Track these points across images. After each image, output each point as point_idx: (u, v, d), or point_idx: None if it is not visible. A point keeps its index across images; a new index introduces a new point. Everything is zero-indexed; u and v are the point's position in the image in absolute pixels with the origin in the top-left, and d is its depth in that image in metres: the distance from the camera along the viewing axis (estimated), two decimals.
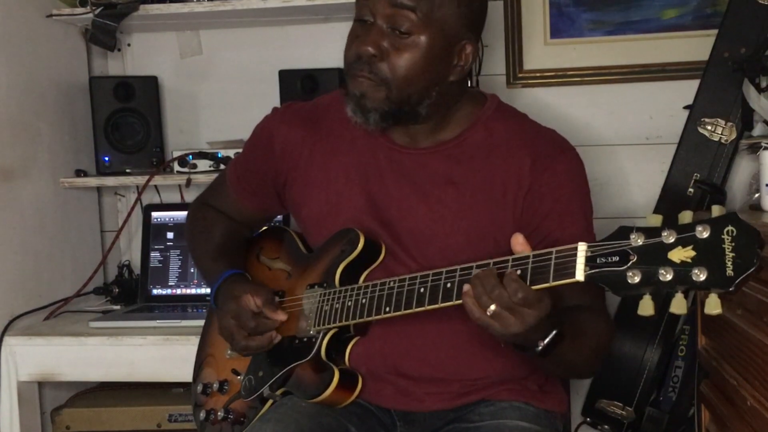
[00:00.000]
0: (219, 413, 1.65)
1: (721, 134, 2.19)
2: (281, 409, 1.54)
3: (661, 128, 2.38)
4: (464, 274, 1.30)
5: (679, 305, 1.10)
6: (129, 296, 2.51)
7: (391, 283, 1.41)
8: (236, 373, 1.65)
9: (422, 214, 1.52)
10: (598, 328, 1.45)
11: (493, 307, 1.21)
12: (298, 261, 1.66)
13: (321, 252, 1.59)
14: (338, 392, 1.49)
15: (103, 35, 2.40)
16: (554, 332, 1.27)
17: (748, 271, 1.05)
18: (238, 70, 2.63)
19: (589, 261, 1.16)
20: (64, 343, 2.18)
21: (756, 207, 1.98)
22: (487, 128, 1.55)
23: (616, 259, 1.13)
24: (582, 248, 1.17)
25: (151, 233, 2.50)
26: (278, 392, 1.57)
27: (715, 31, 2.20)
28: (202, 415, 1.68)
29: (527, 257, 1.24)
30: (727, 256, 1.06)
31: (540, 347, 1.27)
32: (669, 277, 1.09)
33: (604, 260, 1.15)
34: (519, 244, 1.26)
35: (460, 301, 1.29)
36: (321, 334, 1.51)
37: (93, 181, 2.50)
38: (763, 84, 2.04)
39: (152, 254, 2.48)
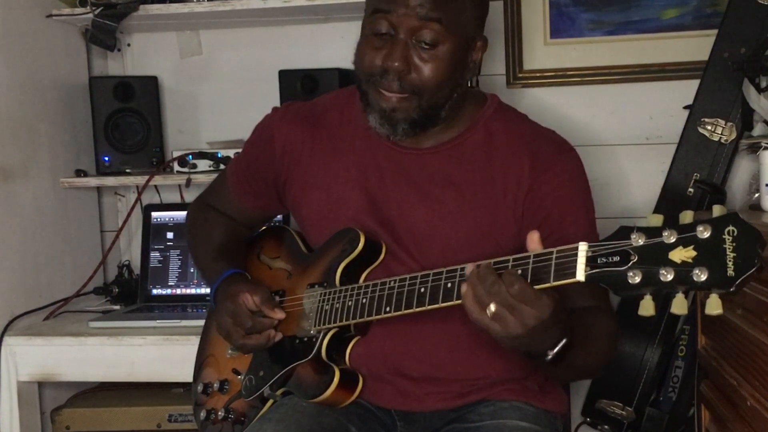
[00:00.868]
0: (219, 413, 1.65)
1: (721, 134, 2.19)
2: (282, 409, 1.54)
3: (661, 128, 2.38)
4: (464, 274, 1.30)
5: (680, 305, 1.10)
6: (129, 296, 2.51)
7: (392, 283, 1.41)
8: (237, 372, 1.65)
9: (422, 214, 1.52)
10: (605, 329, 1.44)
11: (492, 306, 1.21)
12: (299, 260, 1.66)
13: (321, 251, 1.59)
14: (339, 392, 1.49)
15: (103, 35, 2.40)
16: (564, 341, 1.26)
17: (749, 272, 1.04)
18: (238, 70, 2.63)
19: (590, 261, 1.16)
20: (64, 343, 2.18)
21: (756, 207, 1.98)
22: (487, 129, 1.55)
23: (616, 259, 1.13)
24: (583, 248, 1.17)
25: (151, 233, 2.50)
26: (278, 392, 1.57)
27: (715, 31, 2.20)
28: (203, 414, 1.68)
29: (528, 257, 1.23)
30: (728, 257, 1.05)
31: (549, 356, 1.26)
32: (670, 277, 1.08)
33: (604, 260, 1.14)
34: (534, 242, 1.24)
35: (460, 301, 1.29)
36: (321, 334, 1.51)
37: (93, 181, 2.50)
38: (763, 84, 2.04)
39: (152, 254, 2.48)
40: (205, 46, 2.66)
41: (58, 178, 2.46)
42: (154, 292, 2.46)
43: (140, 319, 2.27)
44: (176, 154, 2.46)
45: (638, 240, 1.12)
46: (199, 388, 1.71)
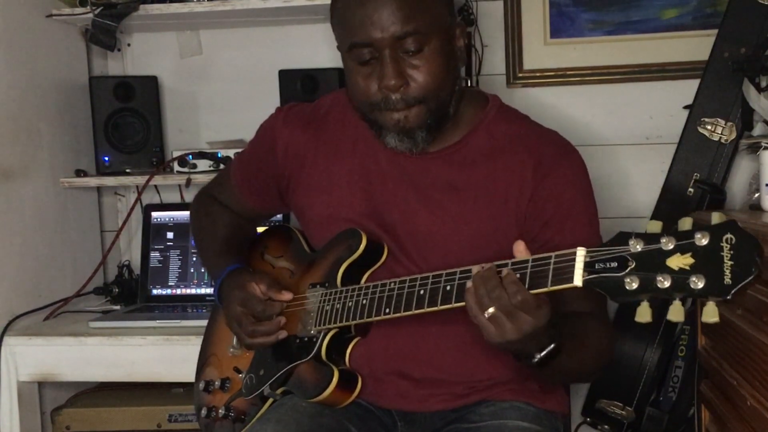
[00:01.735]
0: (220, 411, 1.66)
1: (721, 134, 2.19)
2: (281, 409, 1.54)
3: (661, 128, 2.38)
4: (464, 277, 1.30)
5: (676, 313, 1.10)
6: (129, 296, 2.51)
7: (392, 285, 1.41)
8: (238, 371, 1.66)
9: (424, 218, 1.52)
10: (598, 336, 1.44)
11: (491, 309, 1.21)
12: (302, 260, 1.67)
13: (324, 252, 1.59)
14: (337, 392, 1.50)
15: (103, 35, 2.40)
16: (551, 346, 1.27)
17: (745, 280, 1.04)
18: (238, 70, 2.63)
19: (588, 266, 1.16)
20: (64, 343, 2.18)
21: (756, 207, 1.98)
22: (489, 132, 1.54)
23: (614, 264, 1.13)
24: (581, 253, 1.17)
25: (151, 233, 2.50)
26: (278, 391, 1.57)
27: (715, 31, 2.20)
28: (204, 412, 1.69)
29: (526, 261, 1.23)
30: (725, 264, 1.05)
31: (536, 359, 1.27)
32: (667, 284, 1.08)
33: (602, 266, 1.14)
34: (519, 252, 1.25)
35: (458, 304, 1.29)
36: (322, 334, 1.52)
37: (93, 181, 2.50)
38: (763, 84, 2.04)
39: (152, 254, 2.48)
40: (205, 46, 2.66)
41: (58, 178, 2.46)
42: (154, 292, 2.46)
43: (140, 319, 2.27)
44: (176, 154, 2.46)
45: (636, 246, 1.11)
46: (201, 385, 1.72)
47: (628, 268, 1.11)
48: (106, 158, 2.50)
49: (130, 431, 2.37)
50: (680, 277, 1.07)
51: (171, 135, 2.68)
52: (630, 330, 2.24)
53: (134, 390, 2.46)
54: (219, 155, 2.42)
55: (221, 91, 2.65)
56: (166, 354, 2.14)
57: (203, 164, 2.43)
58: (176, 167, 2.44)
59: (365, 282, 1.52)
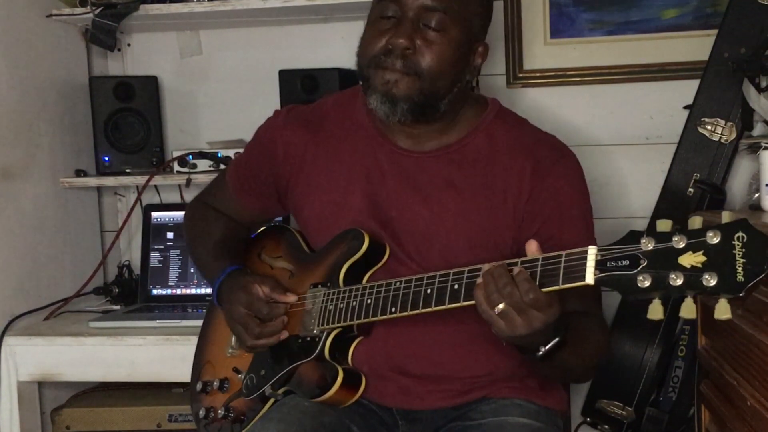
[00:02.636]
0: (219, 411, 1.65)
1: (721, 134, 2.19)
2: (283, 409, 1.54)
3: (661, 128, 2.38)
4: (472, 276, 1.31)
5: (688, 310, 1.12)
6: (129, 296, 2.51)
7: (397, 284, 1.42)
8: (237, 371, 1.66)
9: (423, 216, 1.53)
10: (596, 334, 1.46)
11: (501, 306, 1.22)
12: (301, 260, 1.67)
13: (325, 251, 1.59)
14: (342, 392, 1.50)
15: (103, 35, 2.40)
16: (557, 339, 1.29)
17: (758, 277, 1.06)
18: (238, 70, 2.63)
19: (599, 265, 1.17)
20: (64, 343, 2.18)
21: (756, 207, 1.98)
22: (488, 134, 1.56)
23: (626, 263, 1.15)
24: (592, 252, 1.19)
25: (151, 233, 2.50)
26: (280, 391, 1.57)
27: (715, 31, 2.20)
28: (202, 413, 1.68)
29: (537, 260, 1.25)
30: (737, 262, 1.07)
31: (541, 352, 1.29)
32: (679, 282, 1.10)
33: (614, 264, 1.16)
34: (531, 252, 1.27)
35: (466, 303, 1.30)
36: (325, 334, 1.52)
37: (93, 181, 2.50)
38: (763, 84, 2.04)
39: (152, 254, 2.48)
40: (205, 46, 2.66)
41: (58, 178, 2.46)
42: (154, 292, 2.46)
43: (140, 319, 2.27)
44: (176, 154, 2.45)
45: (648, 244, 1.13)
46: (199, 386, 1.71)
47: (640, 266, 1.13)
48: (106, 158, 2.50)
49: (130, 431, 2.37)
50: (693, 274, 1.09)
51: (171, 135, 2.68)
52: (630, 330, 2.24)
53: (134, 390, 2.46)
54: (219, 155, 2.42)
55: (221, 91, 2.65)
56: (166, 354, 2.13)
57: (203, 164, 2.43)
58: (176, 167, 2.44)
59: (366, 282, 1.52)
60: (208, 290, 2.42)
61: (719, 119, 2.19)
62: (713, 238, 1.08)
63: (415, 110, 1.49)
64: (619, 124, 2.41)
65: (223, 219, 1.78)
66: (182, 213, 2.45)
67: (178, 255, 2.47)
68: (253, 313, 1.55)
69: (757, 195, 2.01)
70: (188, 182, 2.41)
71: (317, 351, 1.51)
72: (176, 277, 2.46)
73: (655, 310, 1.14)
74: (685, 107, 2.28)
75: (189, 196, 2.57)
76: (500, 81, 2.44)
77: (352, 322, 1.48)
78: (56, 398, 2.44)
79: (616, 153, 2.41)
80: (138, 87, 2.53)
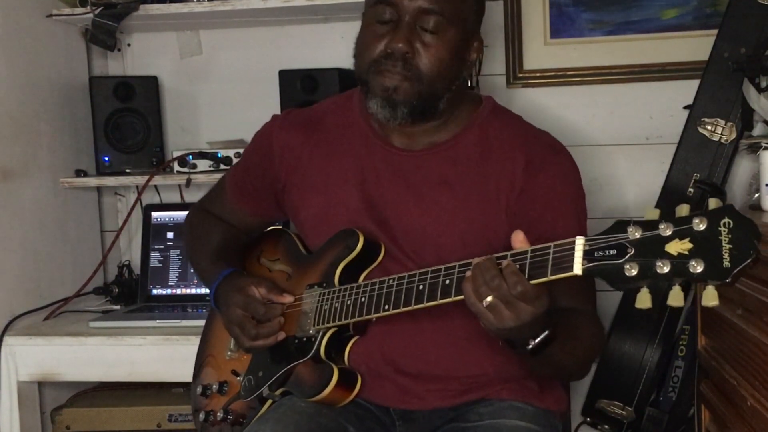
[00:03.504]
0: (218, 414, 1.65)
1: (721, 134, 2.19)
2: (280, 410, 1.54)
3: (661, 128, 2.38)
4: (462, 271, 1.31)
5: (676, 298, 1.11)
6: (129, 296, 2.51)
7: (390, 281, 1.42)
8: (236, 373, 1.66)
9: (417, 214, 1.53)
10: (589, 331, 1.46)
11: (490, 298, 1.23)
12: (298, 262, 1.67)
13: (321, 252, 1.60)
14: (337, 391, 1.50)
15: (103, 35, 2.40)
16: (545, 333, 1.28)
17: (744, 263, 1.05)
18: (238, 70, 2.63)
19: (587, 255, 1.17)
20: (64, 343, 2.18)
21: (756, 207, 1.98)
22: (482, 130, 1.56)
23: (613, 252, 1.14)
24: (580, 242, 1.18)
25: (151, 233, 2.50)
26: (277, 392, 1.57)
27: (715, 31, 2.20)
28: (202, 416, 1.69)
29: (525, 252, 1.25)
30: (723, 248, 1.06)
31: (531, 345, 1.28)
32: (666, 269, 1.09)
33: (601, 253, 1.15)
34: (519, 241, 1.27)
35: (458, 298, 1.30)
36: (320, 334, 1.52)
37: (93, 181, 2.50)
38: (763, 84, 2.04)
39: (152, 254, 2.48)
40: (205, 46, 2.66)
41: (58, 178, 2.46)
42: (154, 292, 2.46)
43: (140, 319, 2.27)
44: (176, 154, 2.45)
45: (635, 233, 1.13)
46: (198, 389, 1.72)
47: (628, 255, 1.13)
48: (106, 158, 2.50)
49: (130, 431, 2.37)
50: (679, 262, 1.09)
51: (171, 135, 2.68)
52: (630, 329, 2.24)
53: (134, 390, 2.46)
54: (219, 155, 2.42)
55: (221, 91, 2.65)
56: (166, 354, 2.14)
57: (203, 164, 2.43)
58: (176, 167, 2.44)
59: (363, 281, 1.52)
60: (208, 290, 2.42)
61: (719, 119, 2.19)
62: (699, 225, 1.08)
63: (414, 113, 1.50)
64: (619, 124, 2.41)
65: (222, 225, 1.78)
66: (182, 213, 2.47)
67: (178, 255, 2.47)
68: (249, 314, 1.56)
69: (757, 195, 2.01)
70: (188, 182, 2.41)
71: (313, 351, 1.51)
72: (176, 277, 2.46)
73: (643, 299, 1.13)
74: (685, 107, 2.28)
75: (189, 196, 2.58)
76: (500, 81, 2.44)
77: (346, 321, 1.49)
78: (56, 398, 2.44)
79: (616, 153, 2.41)
80: (138, 87, 2.53)
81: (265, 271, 1.72)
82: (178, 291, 2.46)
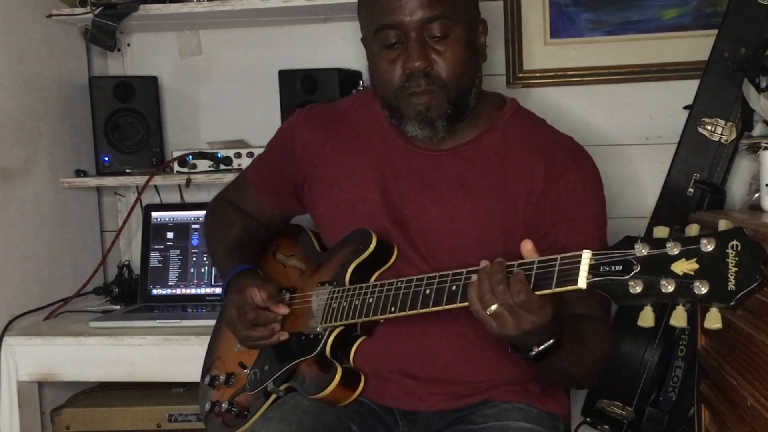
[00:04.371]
0: (224, 405, 1.67)
1: (721, 134, 2.19)
2: (284, 407, 1.55)
3: (661, 128, 2.38)
4: (470, 277, 1.31)
5: (679, 318, 1.10)
6: (129, 296, 2.51)
7: (399, 284, 1.42)
8: (243, 366, 1.67)
9: (435, 215, 1.53)
10: (599, 341, 1.44)
11: (494, 306, 1.22)
12: (312, 259, 1.68)
13: (334, 251, 1.61)
14: (340, 390, 1.50)
15: (103, 35, 2.40)
16: (550, 341, 1.27)
17: (749, 287, 1.04)
18: (238, 70, 2.63)
19: (593, 269, 1.16)
20: (64, 343, 2.18)
21: (756, 207, 1.98)
22: (504, 132, 1.56)
23: (619, 268, 1.13)
24: (586, 256, 1.18)
25: (151, 233, 2.50)
26: (282, 387, 1.58)
27: (715, 31, 2.20)
28: (207, 406, 1.70)
29: (532, 263, 1.24)
30: (729, 271, 1.05)
31: (533, 353, 1.28)
32: (670, 288, 1.08)
33: (607, 269, 1.15)
34: (527, 251, 1.26)
35: (463, 304, 1.30)
36: (327, 332, 1.52)
37: (93, 181, 2.50)
38: (763, 84, 2.04)
39: (152, 254, 2.48)
40: (205, 46, 2.66)
41: (58, 178, 2.46)
42: (154, 292, 2.46)
43: (140, 319, 2.27)
44: (176, 154, 2.45)
45: (642, 250, 1.12)
46: (207, 380, 1.74)
47: (633, 272, 1.12)
48: (106, 158, 2.50)
49: (130, 431, 2.37)
50: (684, 282, 1.07)
51: (171, 135, 2.68)
52: (630, 330, 2.23)
53: (134, 390, 2.46)
54: (219, 155, 2.42)
55: (221, 91, 2.65)
56: (166, 354, 2.13)
57: (203, 164, 2.43)
58: (176, 167, 2.44)
59: (374, 282, 1.52)
60: (208, 290, 2.43)
61: (719, 119, 2.19)
62: (707, 246, 1.07)
63: (451, 120, 1.49)
64: (619, 124, 2.41)
65: (243, 218, 1.79)
66: (182, 213, 2.49)
67: (178, 255, 2.47)
68: (241, 316, 1.57)
69: (757, 195, 2.01)
70: (188, 182, 2.41)
71: (319, 349, 1.52)
72: (176, 277, 2.46)
73: (646, 317, 1.12)
74: (685, 107, 2.28)
75: (189, 196, 2.58)
76: (500, 81, 2.44)
77: (353, 321, 1.49)
78: (56, 398, 2.44)
79: (616, 153, 2.41)
80: (138, 87, 2.52)
81: (280, 266, 1.74)
82: (178, 291, 2.46)
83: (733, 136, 2.19)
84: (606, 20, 2.39)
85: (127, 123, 2.52)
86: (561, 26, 2.42)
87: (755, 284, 1.04)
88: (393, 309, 1.41)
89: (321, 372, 1.52)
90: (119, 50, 2.64)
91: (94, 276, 2.54)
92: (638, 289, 1.11)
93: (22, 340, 2.20)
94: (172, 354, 2.12)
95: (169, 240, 2.48)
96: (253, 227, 1.79)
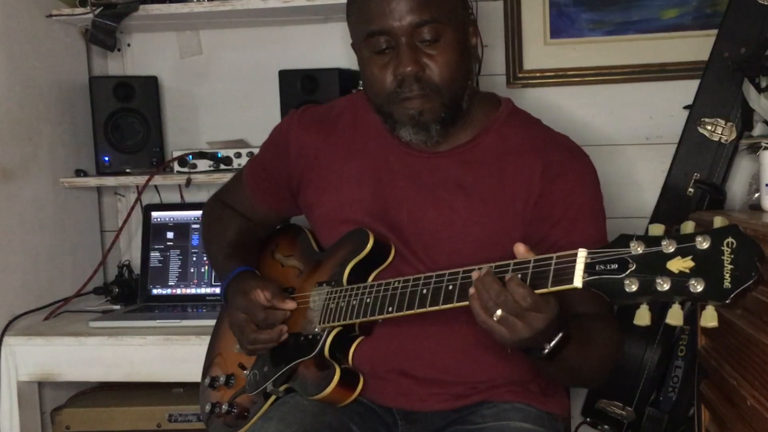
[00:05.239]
0: (224, 406, 1.67)
1: (721, 134, 2.19)
2: (284, 408, 1.55)
3: (661, 128, 2.38)
4: (466, 276, 1.30)
5: (675, 316, 1.10)
6: (129, 296, 2.51)
7: (396, 284, 1.42)
8: (243, 367, 1.67)
9: (432, 218, 1.52)
10: (606, 337, 1.44)
11: (499, 312, 1.22)
12: (310, 259, 1.68)
13: (332, 251, 1.60)
14: (339, 390, 1.50)
15: (103, 35, 2.40)
16: (560, 335, 1.27)
17: (745, 285, 1.04)
18: (238, 70, 2.63)
19: (588, 268, 1.16)
20: (64, 343, 2.18)
21: (756, 207, 1.98)
22: (500, 133, 1.55)
23: (614, 266, 1.13)
24: (582, 254, 1.17)
25: (151, 233, 2.50)
26: (281, 388, 1.58)
27: (715, 31, 2.20)
28: (208, 407, 1.70)
29: (528, 262, 1.23)
30: (725, 269, 1.04)
31: (546, 350, 1.27)
32: (666, 287, 1.08)
33: (602, 267, 1.14)
34: (520, 254, 1.25)
35: (460, 304, 1.30)
36: (325, 332, 1.52)
37: (93, 181, 2.50)
38: (763, 84, 2.04)
39: (152, 254, 2.48)
40: (205, 46, 2.66)
41: (58, 178, 2.46)
42: (154, 292, 2.46)
43: (140, 319, 2.27)
44: (176, 154, 2.46)
45: (637, 248, 1.11)
46: (207, 381, 1.74)
47: (628, 270, 1.11)
48: (106, 158, 2.50)
49: (130, 431, 2.37)
50: (680, 280, 1.07)
51: (171, 135, 2.68)
52: (630, 330, 2.22)
53: (134, 390, 2.46)
54: (219, 155, 2.42)
55: (221, 91, 2.65)
56: (166, 354, 2.14)
57: (203, 164, 2.43)
58: (176, 167, 2.44)
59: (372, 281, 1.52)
60: (208, 290, 2.43)
61: (719, 119, 2.19)
62: (703, 244, 1.06)
63: (445, 124, 1.49)
64: (619, 124, 2.41)
65: (239, 219, 1.79)
66: (182, 213, 2.49)
67: (178, 255, 2.47)
68: (249, 320, 1.56)
69: (757, 195, 2.01)
70: (188, 182, 2.41)
71: (317, 349, 1.52)
72: (176, 277, 2.46)
73: (642, 316, 1.11)
74: (685, 107, 2.28)
75: (189, 196, 2.58)
76: (500, 81, 2.44)
77: (351, 321, 1.49)
78: (56, 398, 2.44)
79: (616, 153, 2.41)
80: (138, 87, 2.53)
81: (278, 266, 1.73)
82: (178, 291, 2.46)
83: (733, 135, 2.19)
84: (606, 20, 2.39)
85: (127, 123, 2.52)
86: (561, 26, 2.42)
87: (751, 281, 1.03)
88: (390, 309, 1.41)
89: (319, 373, 1.52)
90: (119, 50, 2.64)
91: (94, 276, 2.54)
92: (634, 288, 1.10)
93: (22, 340, 2.20)
94: (172, 354, 2.12)
95: (169, 240, 2.48)
96: (249, 228, 1.79)
